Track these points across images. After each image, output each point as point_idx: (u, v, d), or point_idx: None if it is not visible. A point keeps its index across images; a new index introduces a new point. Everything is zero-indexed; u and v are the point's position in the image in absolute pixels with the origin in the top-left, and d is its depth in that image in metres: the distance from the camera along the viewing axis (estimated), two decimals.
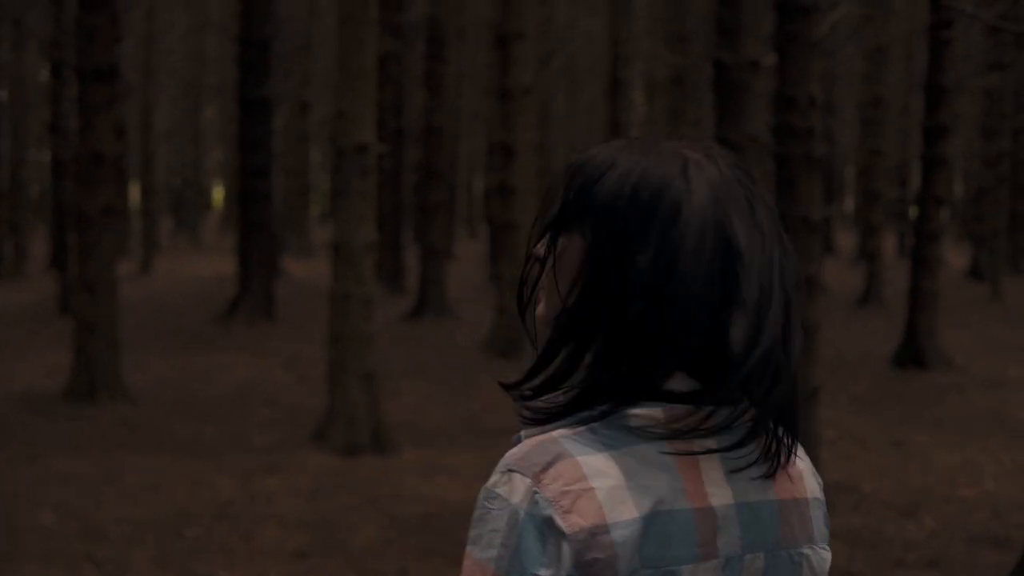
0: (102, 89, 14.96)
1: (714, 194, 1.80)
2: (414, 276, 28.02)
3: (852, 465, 11.99)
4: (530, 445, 1.76)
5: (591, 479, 1.75)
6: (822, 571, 1.90)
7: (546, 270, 1.87)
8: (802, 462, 1.93)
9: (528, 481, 1.73)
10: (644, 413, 1.79)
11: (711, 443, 1.80)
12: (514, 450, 1.77)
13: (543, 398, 1.86)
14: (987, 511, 10.39)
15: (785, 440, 1.85)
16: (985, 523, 10.01)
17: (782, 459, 1.85)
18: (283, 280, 31.02)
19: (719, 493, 1.79)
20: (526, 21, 19.31)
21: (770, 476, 1.83)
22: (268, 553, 9.03)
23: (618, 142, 1.90)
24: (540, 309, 1.89)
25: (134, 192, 54.45)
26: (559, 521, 1.72)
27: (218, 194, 77.00)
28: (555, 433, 1.78)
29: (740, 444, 1.78)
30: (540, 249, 1.88)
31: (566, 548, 1.72)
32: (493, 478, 1.76)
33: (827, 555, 1.92)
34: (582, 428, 1.79)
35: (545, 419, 1.83)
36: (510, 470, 1.75)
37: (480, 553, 1.74)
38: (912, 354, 18.51)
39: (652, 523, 1.74)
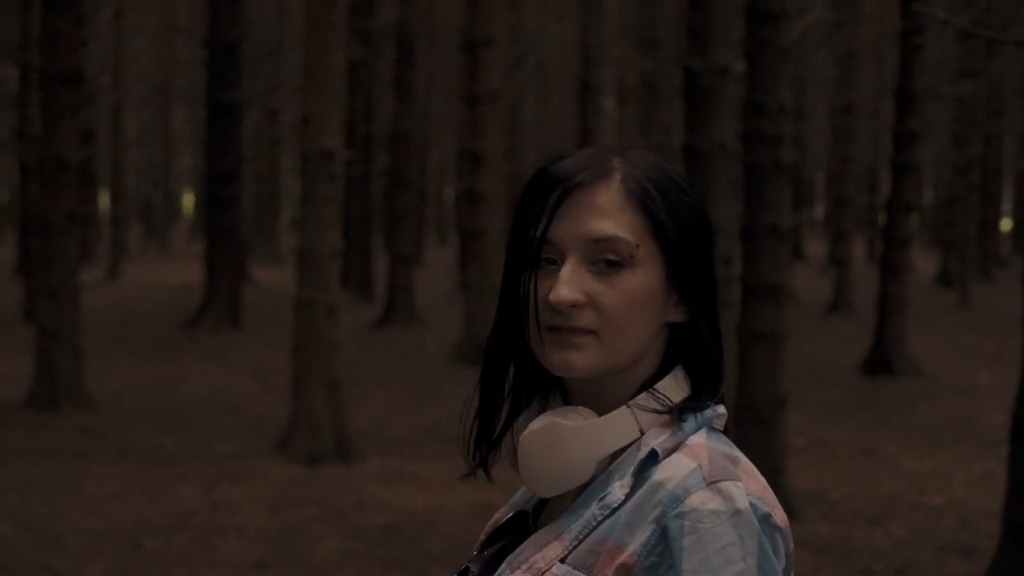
0: (67, 93, 14.80)
1: None
2: (383, 283, 27.87)
3: (821, 473, 11.93)
4: (699, 455, 1.78)
5: (760, 476, 1.82)
6: None
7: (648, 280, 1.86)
8: None
9: (740, 485, 1.75)
10: (722, 412, 1.90)
11: None
12: (686, 464, 1.77)
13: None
14: (956, 519, 10.33)
15: None
16: (954, 531, 9.95)
17: None
18: (251, 287, 30.86)
19: None
20: (496, 26, 19.22)
21: None
22: (229, 563, 8.91)
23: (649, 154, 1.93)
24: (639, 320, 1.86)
25: (103, 198, 54.18)
26: (775, 517, 1.77)
27: (188, 200, 76.74)
28: (696, 438, 1.82)
29: None
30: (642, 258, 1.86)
31: (780, 542, 1.76)
32: (693, 500, 1.73)
33: None
34: (693, 428, 1.84)
35: (667, 411, 1.86)
36: (713, 483, 1.74)
37: (730, 572, 1.70)
38: (881, 361, 18.47)
39: None
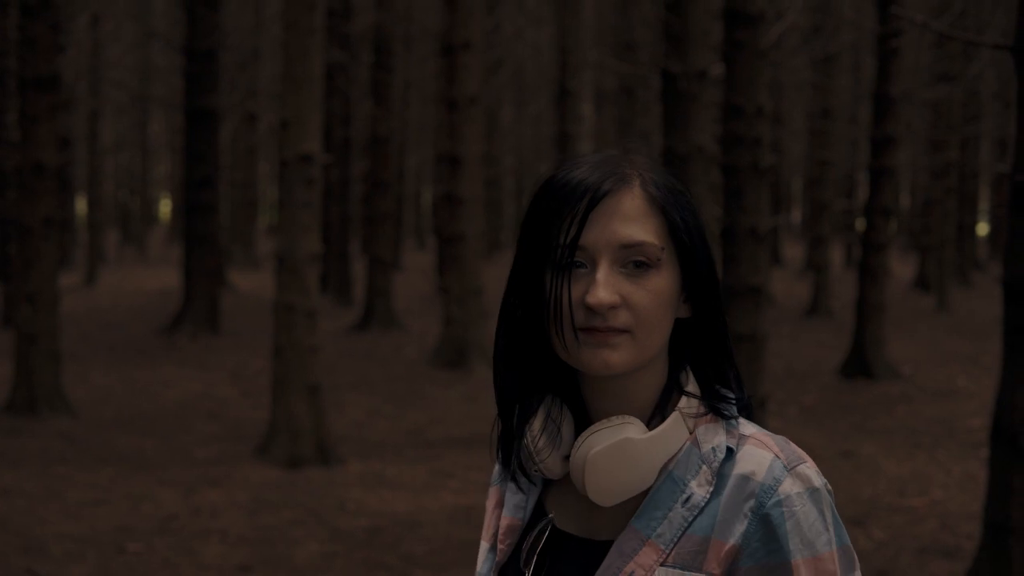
0: (43, 98, 14.77)
1: None
2: (361, 287, 27.86)
3: None
4: (767, 445, 1.96)
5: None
6: None
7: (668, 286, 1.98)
8: None
9: (809, 465, 1.94)
10: (746, 399, 2.07)
11: None
12: (764, 455, 1.94)
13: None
14: (936, 521, 10.36)
15: None
16: (934, 533, 9.98)
17: None
18: (229, 293, 30.82)
19: None
20: (473, 30, 19.22)
21: None
22: (211, 568, 8.91)
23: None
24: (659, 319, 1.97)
25: (81, 204, 54.05)
26: (829, 485, 1.97)
27: (165, 206, 76.57)
28: (748, 428, 2.00)
29: None
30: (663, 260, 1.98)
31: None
32: (785, 488, 1.91)
33: None
34: (736, 420, 2.02)
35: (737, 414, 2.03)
36: (791, 468, 1.93)
37: (820, 546, 1.90)
38: (860, 365, 18.51)
39: None
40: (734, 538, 1.90)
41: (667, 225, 1.97)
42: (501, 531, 2.12)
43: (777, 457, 1.93)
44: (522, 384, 2.07)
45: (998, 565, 7.17)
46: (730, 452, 1.96)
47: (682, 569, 1.91)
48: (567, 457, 2.04)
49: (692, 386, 2.03)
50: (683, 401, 2.00)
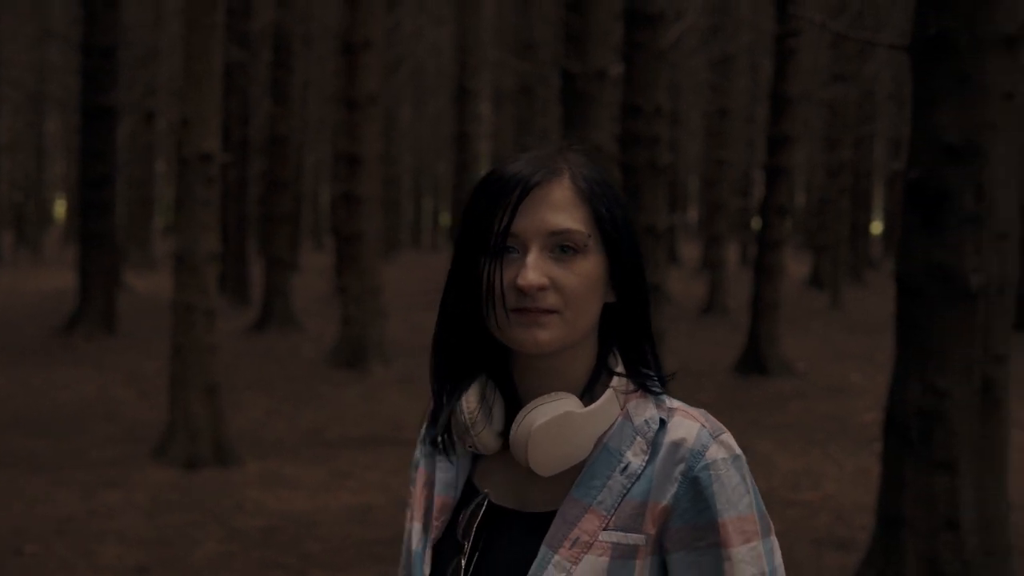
0: None
1: None
2: (259, 288, 27.72)
3: None
4: (693, 416, 2.12)
5: None
6: None
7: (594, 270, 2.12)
8: None
9: (728, 435, 2.11)
10: (665, 377, 2.24)
11: None
12: (692, 424, 2.10)
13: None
14: (830, 514, 10.49)
15: None
16: (829, 526, 10.10)
17: None
18: (125, 293, 30.55)
19: None
20: (374, 29, 19.20)
21: None
22: (109, 569, 8.84)
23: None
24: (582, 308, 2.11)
25: None
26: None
27: (60, 207, 75.73)
28: (673, 402, 2.17)
29: None
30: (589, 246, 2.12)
31: None
32: (712, 453, 2.06)
33: None
34: (663, 395, 2.19)
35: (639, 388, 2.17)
36: (715, 436, 2.09)
37: (743, 507, 2.07)
38: (755, 362, 18.68)
39: None
40: (666, 499, 2.05)
41: (593, 215, 2.11)
42: (436, 509, 2.23)
43: (703, 426, 2.09)
44: (457, 365, 2.21)
45: (891, 556, 7.28)
46: (662, 423, 2.11)
47: (624, 531, 2.06)
48: (500, 434, 2.18)
49: (620, 367, 2.18)
50: (615, 380, 2.15)
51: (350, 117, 19.29)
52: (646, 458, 2.09)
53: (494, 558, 2.14)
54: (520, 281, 2.04)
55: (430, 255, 56.85)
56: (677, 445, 2.07)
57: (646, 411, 2.14)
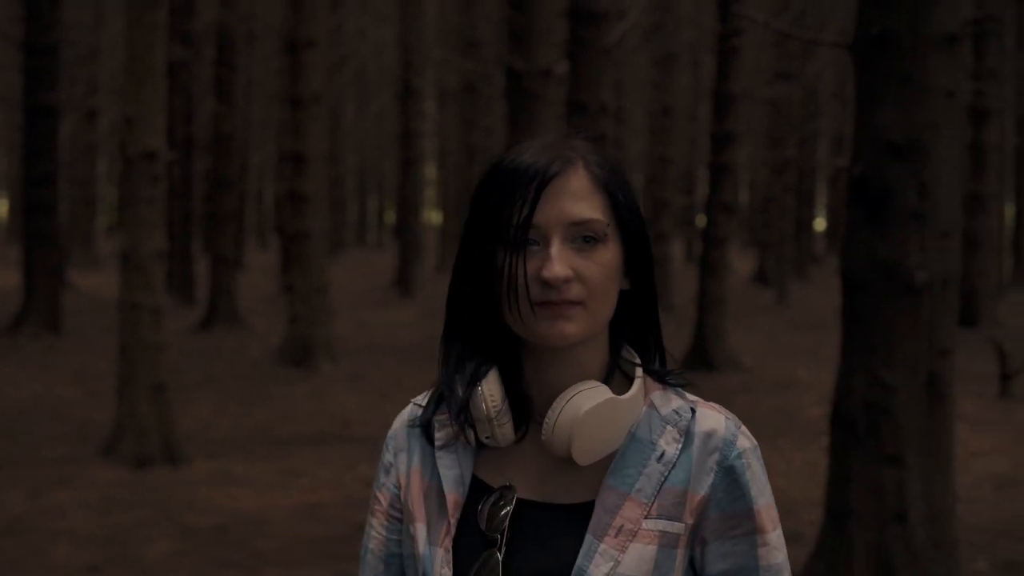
0: None
1: None
2: (204, 286, 27.62)
3: None
4: (716, 408, 2.16)
5: None
6: None
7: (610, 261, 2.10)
8: None
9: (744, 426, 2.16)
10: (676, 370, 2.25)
11: None
12: (717, 416, 2.14)
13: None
14: (779, 509, 10.53)
15: None
16: None
17: None
18: (70, 292, 30.39)
19: None
20: (317, 29, 19.20)
21: None
22: (60, 568, 8.84)
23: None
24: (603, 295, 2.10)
25: None
26: None
27: (2, 206, 75.21)
28: (692, 395, 2.19)
29: None
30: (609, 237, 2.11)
31: None
32: (741, 442, 2.12)
33: None
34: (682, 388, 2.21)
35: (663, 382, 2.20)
36: (739, 428, 2.14)
37: (768, 495, 2.16)
38: (701, 357, 18.78)
39: None
40: (703, 489, 2.08)
41: (610, 202, 2.10)
42: (451, 506, 2.15)
43: (728, 418, 2.13)
44: (469, 355, 2.18)
45: (839, 549, 7.36)
46: (692, 412, 2.13)
47: (668, 520, 2.08)
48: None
49: (636, 357, 2.19)
50: (638, 371, 2.16)
51: (294, 116, 19.29)
52: (679, 446, 2.10)
53: (529, 551, 2.10)
54: (546, 273, 2.02)
55: (375, 254, 56.79)
56: (709, 435, 2.10)
57: (671, 402, 2.15)
